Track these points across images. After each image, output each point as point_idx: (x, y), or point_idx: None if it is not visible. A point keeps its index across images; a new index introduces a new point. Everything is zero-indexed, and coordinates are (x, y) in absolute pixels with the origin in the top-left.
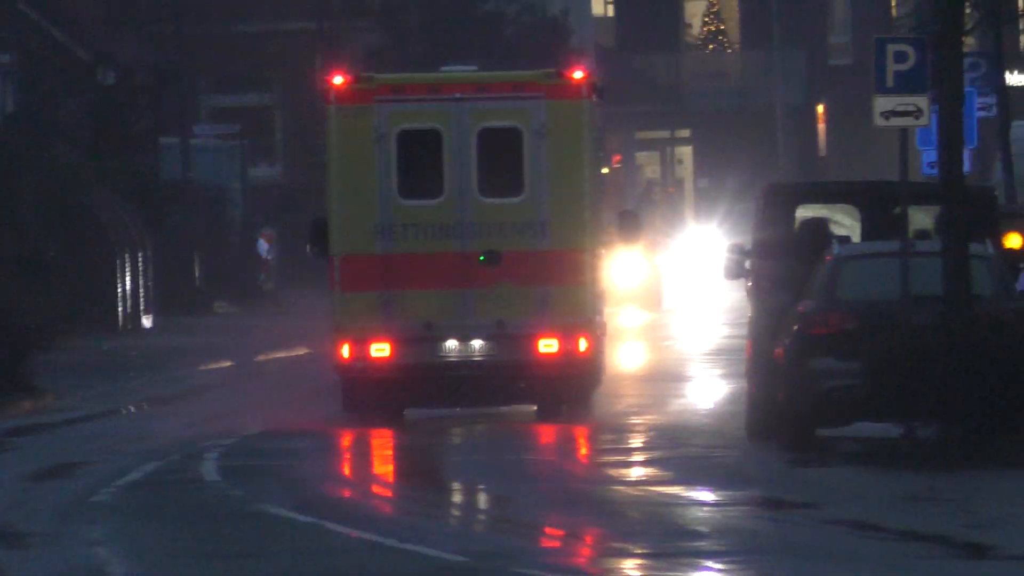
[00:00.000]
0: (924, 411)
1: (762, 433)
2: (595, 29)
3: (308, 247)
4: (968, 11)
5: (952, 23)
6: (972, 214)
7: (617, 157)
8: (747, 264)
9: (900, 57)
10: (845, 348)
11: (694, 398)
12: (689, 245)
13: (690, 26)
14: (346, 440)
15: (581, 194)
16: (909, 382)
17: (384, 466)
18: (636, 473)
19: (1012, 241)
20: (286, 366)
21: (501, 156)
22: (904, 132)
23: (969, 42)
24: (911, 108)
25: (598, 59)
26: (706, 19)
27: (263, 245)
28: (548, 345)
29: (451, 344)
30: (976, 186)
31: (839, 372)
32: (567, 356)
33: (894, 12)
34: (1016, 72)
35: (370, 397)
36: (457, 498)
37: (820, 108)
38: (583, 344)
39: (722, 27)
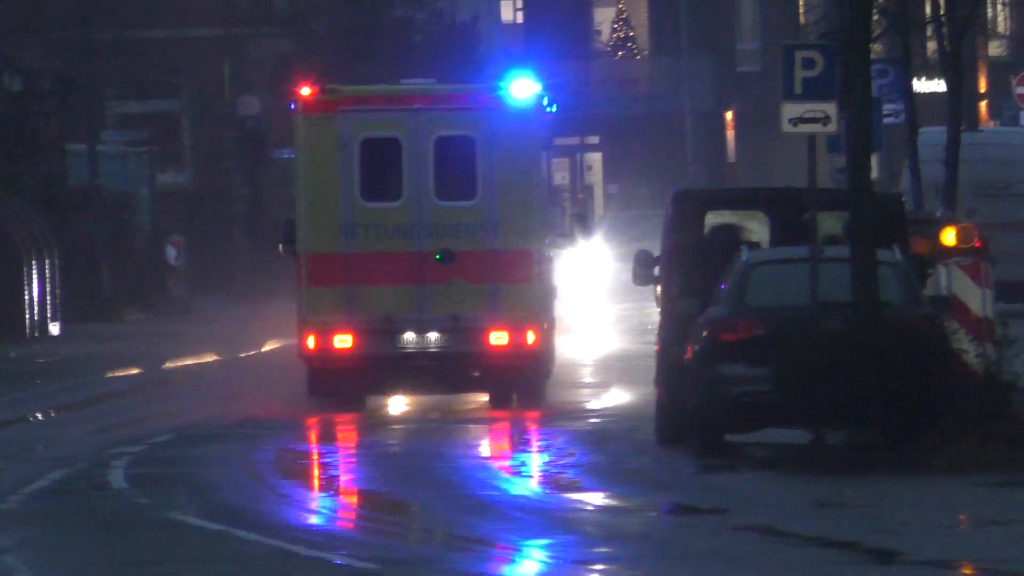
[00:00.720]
0: (833, 417)
1: (672, 439)
2: (504, 36)
3: (280, 246)
4: (876, 18)
5: (860, 30)
6: (880, 220)
7: None
8: (656, 270)
9: (808, 64)
10: (754, 354)
11: (604, 404)
12: (580, 255)
13: (599, 33)
14: (257, 447)
15: (530, 197)
16: (818, 388)
17: (295, 473)
18: (547, 478)
19: (920, 247)
20: (195, 373)
21: (456, 162)
22: (812, 138)
23: (877, 49)
24: (819, 115)
25: (507, 66)
26: (615, 26)
27: (171, 252)
28: (499, 338)
29: (409, 336)
30: (884, 192)
31: (748, 378)
32: (517, 348)
33: (802, 19)
34: (924, 79)
35: (333, 385)
36: (369, 505)
37: (729, 115)
38: (531, 337)
39: (631, 34)
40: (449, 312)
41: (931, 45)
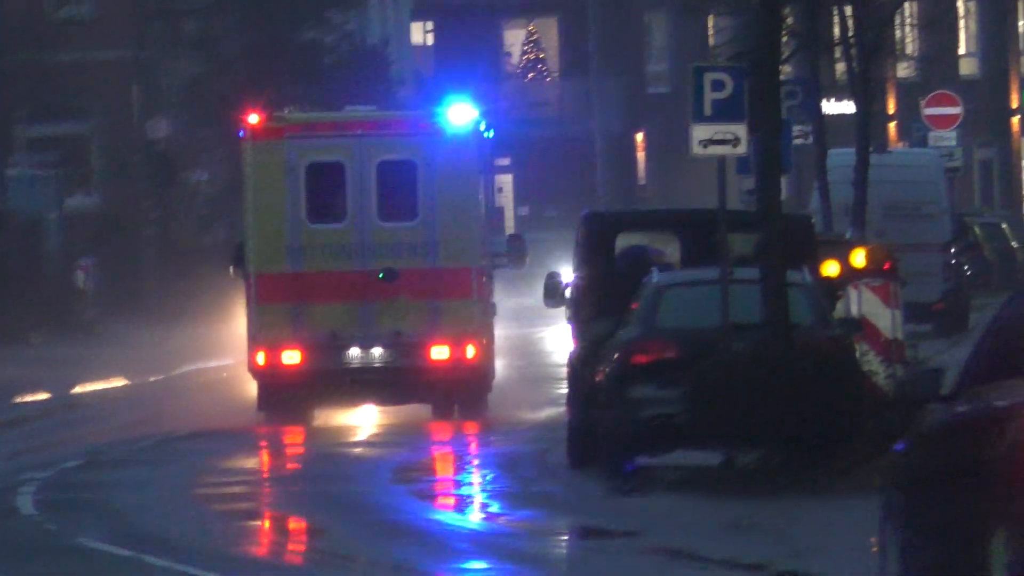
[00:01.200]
0: (744, 439)
1: (583, 461)
2: (415, 58)
3: (231, 267)
4: (785, 39)
5: (769, 51)
6: (790, 242)
7: None
8: (567, 292)
9: (718, 86)
10: (665, 376)
11: (514, 426)
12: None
13: (509, 55)
14: (168, 471)
15: (468, 218)
16: (729, 410)
17: (206, 498)
18: (460, 502)
19: (830, 269)
20: (105, 398)
21: (397, 185)
22: (722, 160)
23: (786, 70)
24: (729, 137)
25: (418, 89)
26: (525, 48)
27: (80, 275)
28: (440, 352)
29: (354, 352)
30: (793, 214)
31: (659, 400)
32: (457, 362)
33: (712, 41)
34: (833, 100)
35: (282, 399)
36: (281, 530)
37: (639, 136)
38: (471, 351)
39: (541, 56)
40: (392, 328)
41: (840, 67)
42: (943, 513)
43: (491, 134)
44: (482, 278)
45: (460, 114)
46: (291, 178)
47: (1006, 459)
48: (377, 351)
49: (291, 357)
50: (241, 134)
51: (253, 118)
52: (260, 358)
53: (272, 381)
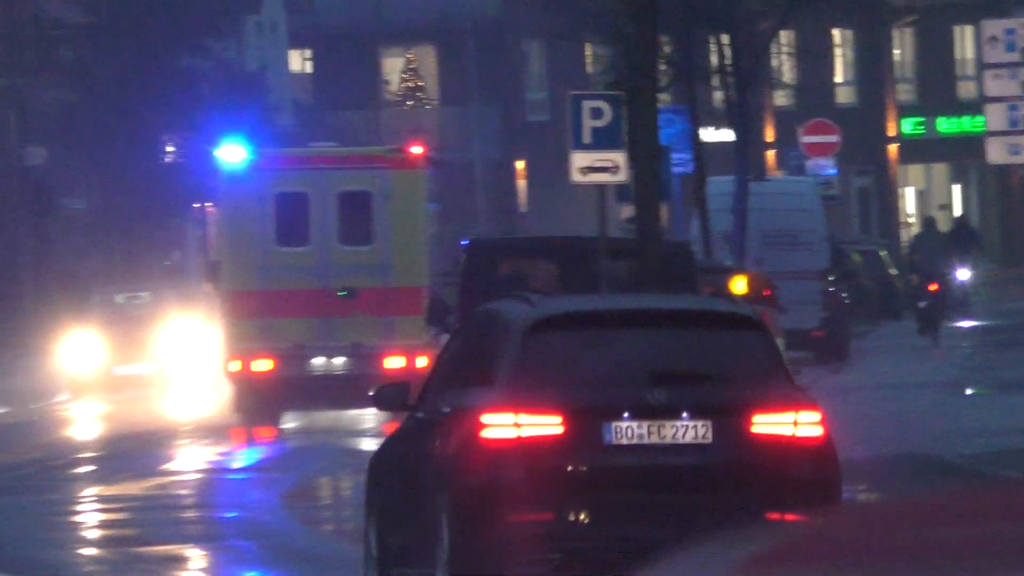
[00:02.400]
0: None
1: None
2: (293, 85)
3: (206, 284)
4: (663, 67)
5: (646, 80)
6: (669, 269)
7: None
8: (450, 318)
9: (596, 114)
10: None
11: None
12: None
13: (388, 82)
14: (50, 498)
15: (418, 243)
16: None
17: (87, 525)
18: (347, 528)
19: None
20: None
21: (355, 213)
22: (602, 188)
23: (664, 98)
24: (608, 164)
25: (296, 115)
26: (404, 75)
27: None
28: (395, 362)
29: (318, 361)
30: (673, 241)
31: None
32: (410, 371)
33: (590, 68)
34: (711, 128)
35: (254, 402)
36: (148, 557)
37: (520, 164)
38: (423, 361)
39: (420, 83)
40: (352, 340)
41: (718, 95)
42: (405, 502)
43: (434, 162)
44: (432, 296)
45: (411, 151)
46: (261, 206)
47: (444, 456)
48: (339, 360)
49: (261, 365)
50: (217, 166)
51: (227, 152)
52: (233, 366)
53: (245, 387)
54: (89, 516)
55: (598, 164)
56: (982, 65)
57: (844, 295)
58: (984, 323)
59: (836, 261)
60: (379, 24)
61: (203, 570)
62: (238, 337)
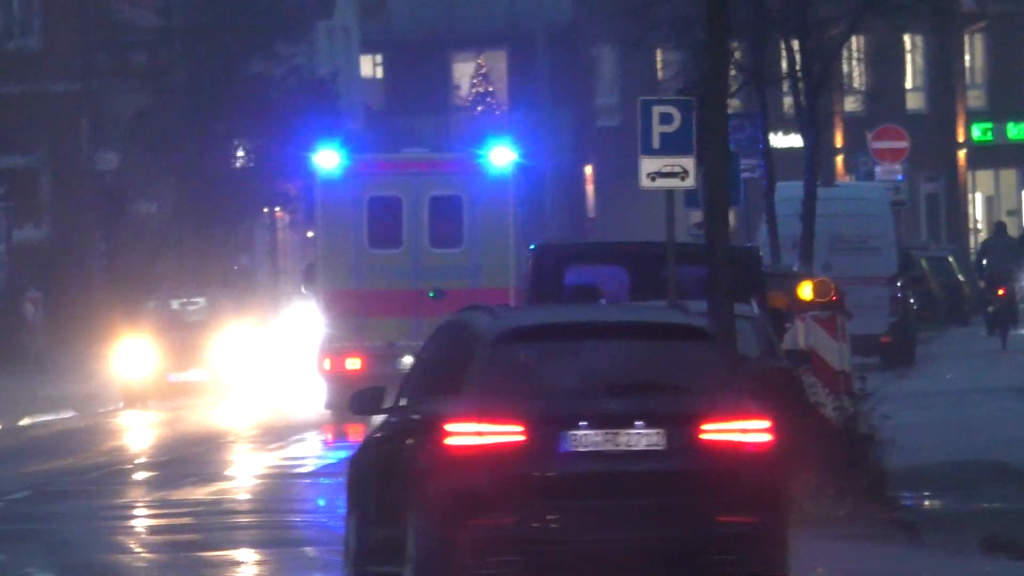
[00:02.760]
0: None
1: None
2: (364, 91)
3: (301, 285)
4: (733, 73)
5: (717, 85)
6: (738, 274)
7: None
8: None
9: (666, 119)
10: None
11: None
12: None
13: (458, 87)
14: (115, 503)
15: (506, 245)
16: None
17: (152, 529)
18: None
19: (777, 301)
20: (53, 430)
21: (446, 217)
22: (670, 193)
23: (734, 104)
24: (677, 169)
25: (367, 121)
26: (474, 80)
27: (29, 308)
28: None
29: (407, 359)
30: (741, 247)
31: None
32: None
33: (660, 74)
34: (780, 133)
35: (345, 399)
36: (224, 564)
37: (588, 169)
38: None
39: (491, 88)
40: None
41: (787, 100)
42: (379, 502)
43: (521, 165)
44: (517, 298)
45: (500, 155)
46: (356, 210)
47: (413, 461)
48: None
49: (353, 363)
50: (314, 171)
51: (324, 157)
52: (327, 364)
53: (337, 384)
54: (151, 520)
55: (667, 169)
56: None
57: (912, 300)
58: None
59: (904, 266)
60: (450, 29)
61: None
62: (332, 336)
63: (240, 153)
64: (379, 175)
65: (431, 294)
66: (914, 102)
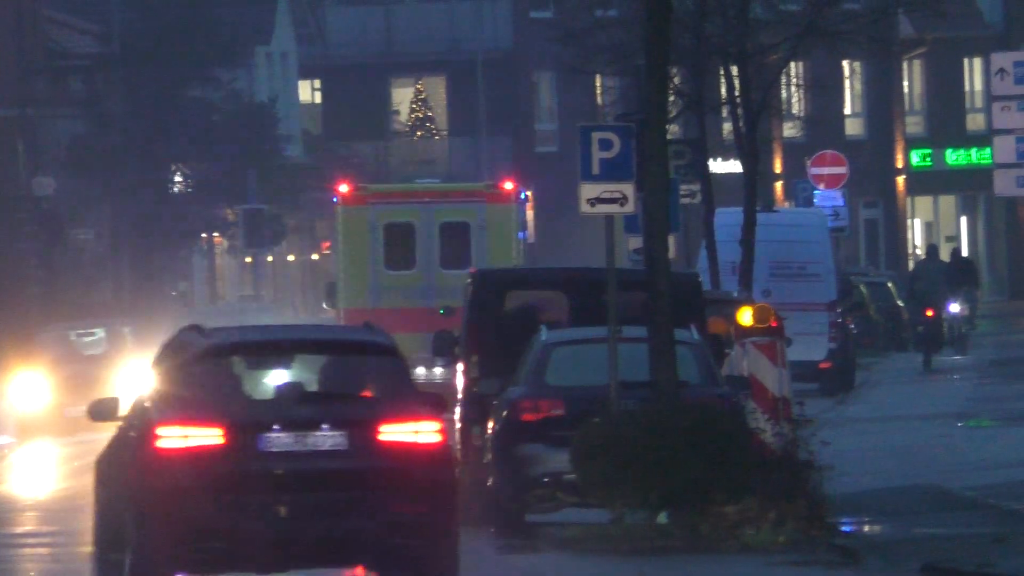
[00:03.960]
0: (632, 497)
1: (473, 520)
2: (303, 116)
3: (324, 303)
4: (672, 99)
5: (656, 111)
6: (678, 300)
7: (326, 244)
8: (457, 350)
9: (605, 145)
10: (554, 434)
11: None
12: None
13: (397, 113)
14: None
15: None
16: (616, 468)
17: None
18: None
19: (717, 327)
20: None
21: (455, 241)
22: (610, 219)
23: (673, 130)
24: (617, 195)
25: (306, 146)
26: (414, 106)
27: None
28: None
29: (419, 371)
30: (681, 272)
31: (548, 458)
32: None
33: (600, 100)
34: (720, 159)
35: None
36: None
37: (528, 194)
38: None
39: (429, 114)
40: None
41: (727, 126)
42: (112, 497)
43: (524, 196)
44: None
45: (504, 187)
46: (373, 235)
47: (131, 461)
48: (438, 371)
49: None
50: (335, 200)
51: (344, 188)
52: None
53: None
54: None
55: (607, 195)
56: (990, 97)
57: (851, 326)
58: (990, 356)
59: (843, 292)
60: (389, 54)
61: None
62: None
63: (178, 178)
64: (394, 204)
65: (441, 311)
66: (853, 128)
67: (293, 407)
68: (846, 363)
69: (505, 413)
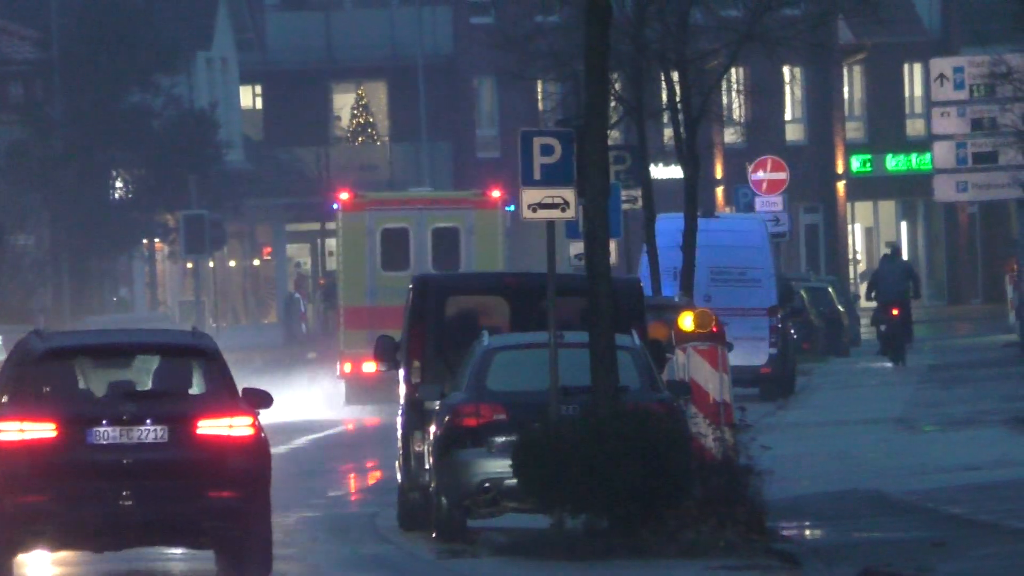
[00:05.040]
0: (572, 502)
1: (414, 525)
2: (243, 122)
3: (322, 302)
4: (613, 105)
5: (596, 117)
6: (618, 306)
7: (267, 249)
8: (398, 355)
9: (546, 150)
10: (494, 439)
11: (342, 491)
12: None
13: (339, 119)
14: None
15: (496, 268)
16: (556, 473)
17: None
18: (284, 568)
19: (658, 332)
20: None
21: (446, 244)
22: (551, 225)
23: (614, 135)
24: (558, 201)
25: (246, 152)
26: (355, 111)
27: None
28: None
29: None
30: (622, 278)
31: (488, 464)
32: None
33: (540, 106)
34: (661, 165)
35: (363, 398)
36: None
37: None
38: None
39: (371, 119)
40: None
41: (668, 132)
42: None
43: (512, 208)
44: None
45: (491, 195)
46: (370, 239)
47: None
48: None
49: (368, 368)
50: (335, 207)
51: (344, 195)
52: (346, 367)
53: (355, 384)
54: None
55: (548, 201)
56: (930, 103)
57: (792, 332)
58: (929, 361)
59: (784, 298)
60: (329, 59)
61: None
62: (349, 344)
63: (119, 184)
64: (389, 210)
65: None
66: (794, 134)
67: (120, 404)
68: (786, 368)
69: (446, 419)
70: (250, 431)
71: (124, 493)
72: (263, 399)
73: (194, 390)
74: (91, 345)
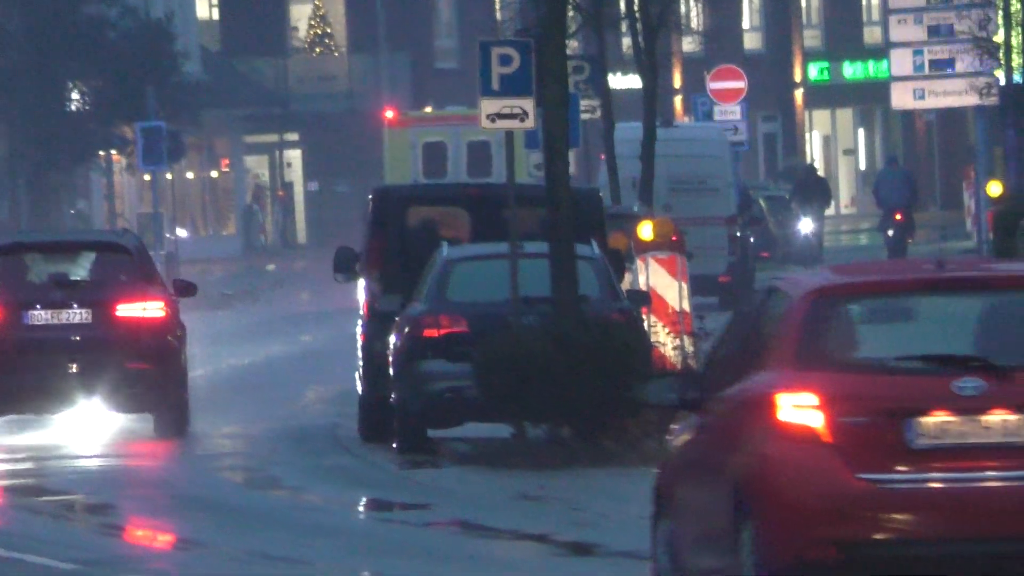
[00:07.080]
0: (533, 412)
1: (375, 436)
2: (200, 32)
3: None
4: (571, 14)
5: (555, 26)
6: (578, 216)
7: (225, 161)
8: (358, 266)
9: (505, 60)
10: (455, 350)
11: (303, 402)
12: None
13: (296, 29)
14: None
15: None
16: (517, 383)
17: None
18: (245, 478)
19: (618, 242)
20: None
21: (479, 156)
22: (510, 135)
23: (573, 45)
24: (517, 111)
25: (204, 62)
26: (312, 22)
27: None
28: None
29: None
30: (582, 188)
31: (449, 374)
32: None
33: (499, 15)
34: (620, 74)
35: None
36: (67, 506)
37: (428, 111)
38: None
39: (328, 30)
40: None
41: (626, 41)
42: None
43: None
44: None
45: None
46: (413, 152)
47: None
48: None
49: None
50: (385, 123)
51: (390, 114)
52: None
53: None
54: None
55: (507, 111)
56: (887, 10)
57: (751, 240)
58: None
59: (743, 207)
60: None
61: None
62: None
63: (75, 96)
64: (429, 126)
65: None
66: (752, 42)
67: (53, 292)
68: (745, 277)
69: (407, 329)
70: (162, 313)
71: (56, 365)
72: (188, 288)
73: (118, 280)
74: (33, 243)
